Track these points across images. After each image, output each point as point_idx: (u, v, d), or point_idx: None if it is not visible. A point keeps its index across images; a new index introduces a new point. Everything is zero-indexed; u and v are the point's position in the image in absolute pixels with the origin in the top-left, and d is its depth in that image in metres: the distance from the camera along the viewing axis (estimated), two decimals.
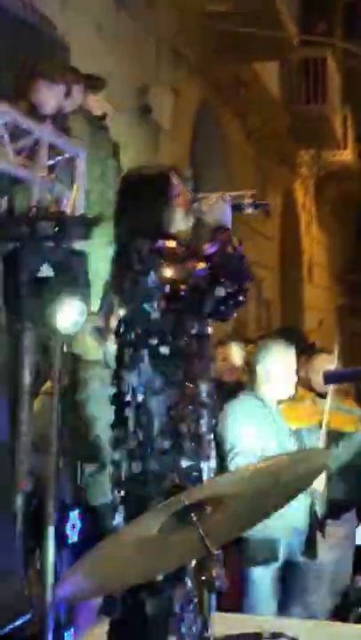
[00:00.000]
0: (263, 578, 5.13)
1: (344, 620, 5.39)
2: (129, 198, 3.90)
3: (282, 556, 5.12)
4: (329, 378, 4.52)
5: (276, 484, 2.18)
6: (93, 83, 7.40)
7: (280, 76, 17.48)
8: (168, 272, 3.59)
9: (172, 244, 3.69)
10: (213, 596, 2.13)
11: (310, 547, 5.25)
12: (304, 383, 5.96)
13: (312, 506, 5.20)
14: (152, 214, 3.80)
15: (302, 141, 18.96)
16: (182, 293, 3.58)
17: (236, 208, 3.86)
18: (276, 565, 5.13)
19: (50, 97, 6.05)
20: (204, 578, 2.11)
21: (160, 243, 3.66)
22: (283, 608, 5.24)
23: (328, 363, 5.80)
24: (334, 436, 5.47)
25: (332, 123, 18.76)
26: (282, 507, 2.26)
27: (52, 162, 5.34)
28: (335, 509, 5.73)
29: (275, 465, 2.20)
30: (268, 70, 16.23)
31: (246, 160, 15.99)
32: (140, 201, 3.84)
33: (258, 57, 14.76)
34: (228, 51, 13.33)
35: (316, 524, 5.27)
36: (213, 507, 2.13)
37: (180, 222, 3.88)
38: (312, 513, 5.24)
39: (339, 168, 21.28)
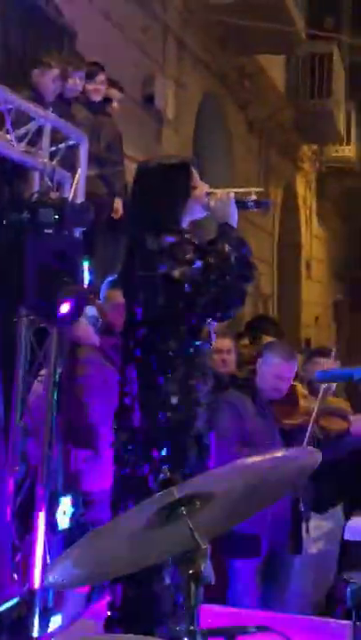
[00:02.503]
0: (246, 570, 5.16)
1: (330, 615, 5.42)
2: (147, 187, 3.88)
3: (265, 549, 5.15)
4: (321, 377, 4.54)
5: (265, 482, 2.21)
6: (91, 69, 7.44)
7: (286, 70, 17.48)
8: (174, 271, 3.60)
9: (178, 238, 3.69)
10: (201, 590, 2.15)
11: (294, 541, 5.28)
12: (302, 381, 5.97)
13: (296, 501, 5.22)
14: (171, 204, 3.79)
15: (306, 136, 18.97)
16: (186, 291, 3.60)
17: (240, 205, 3.87)
18: (258, 559, 5.16)
19: (46, 82, 6.09)
20: (191, 571, 2.14)
21: (168, 240, 3.66)
22: (268, 601, 5.27)
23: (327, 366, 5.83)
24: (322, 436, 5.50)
25: (335, 118, 18.75)
26: (270, 504, 2.29)
27: (53, 148, 5.35)
28: (322, 504, 5.76)
29: (264, 462, 2.23)
30: (274, 63, 16.22)
31: (249, 152, 16.00)
32: (159, 190, 3.81)
33: (264, 50, 14.75)
34: (233, 43, 13.33)
35: (299, 519, 5.29)
36: (203, 501, 2.16)
37: (196, 214, 3.88)
38: (296, 508, 5.26)
39: (341, 164, 21.31)
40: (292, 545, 5.26)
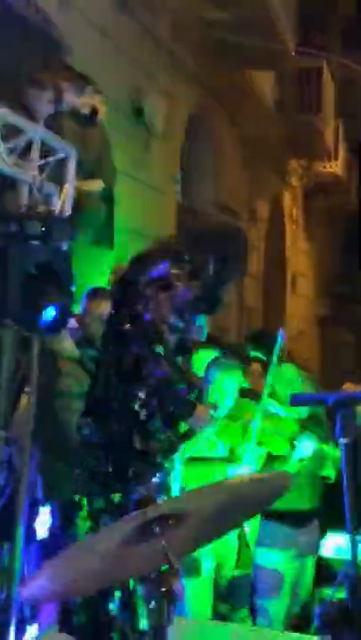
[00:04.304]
0: (199, 587, 5.20)
1: (305, 631, 5.44)
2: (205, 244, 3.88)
3: (209, 569, 5.18)
4: (294, 400, 4.54)
5: (237, 502, 2.25)
6: (80, 83, 7.47)
7: (275, 85, 17.56)
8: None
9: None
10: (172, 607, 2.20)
11: (238, 559, 5.34)
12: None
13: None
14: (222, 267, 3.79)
15: (294, 151, 19.03)
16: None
17: None
18: (205, 577, 5.21)
19: (40, 103, 6.13)
20: (164, 589, 2.18)
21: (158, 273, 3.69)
22: (237, 614, 5.32)
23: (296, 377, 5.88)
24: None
25: (324, 134, 18.83)
26: (241, 524, 2.35)
27: (43, 162, 5.39)
28: (300, 518, 5.78)
29: (236, 483, 2.27)
30: (264, 78, 16.29)
31: (237, 165, 16.06)
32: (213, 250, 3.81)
33: (253, 66, 14.83)
34: (224, 58, 13.41)
35: (243, 537, 5.31)
36: (176, 520, 2.20)
37: None
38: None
39: (328, 180, 21.37)
40: (238, 562, 5.32)
